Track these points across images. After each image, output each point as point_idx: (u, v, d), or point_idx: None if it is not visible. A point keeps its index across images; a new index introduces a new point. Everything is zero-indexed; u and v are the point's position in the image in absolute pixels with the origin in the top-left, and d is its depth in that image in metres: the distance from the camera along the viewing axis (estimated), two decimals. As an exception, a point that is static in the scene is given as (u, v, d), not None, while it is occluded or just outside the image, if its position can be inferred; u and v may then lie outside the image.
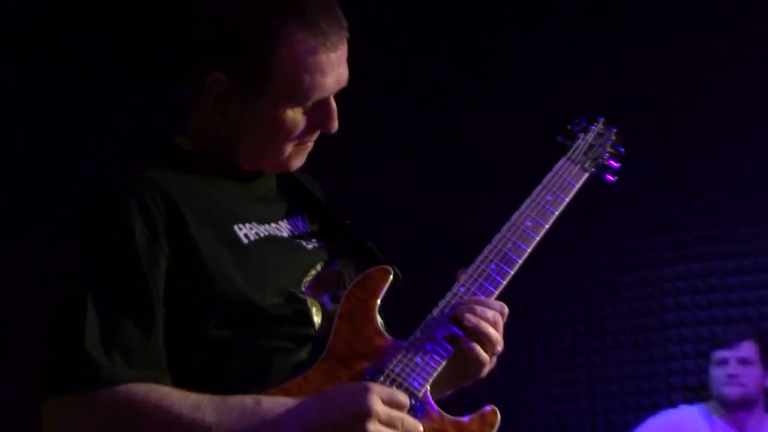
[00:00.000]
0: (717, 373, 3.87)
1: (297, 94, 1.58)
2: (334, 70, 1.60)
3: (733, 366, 3.83)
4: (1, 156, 4.45)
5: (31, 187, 4.50)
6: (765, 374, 3.90)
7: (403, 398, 1.53)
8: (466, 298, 1.68)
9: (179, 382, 1.53)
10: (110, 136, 4.05)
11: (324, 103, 1.61)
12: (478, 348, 1.61)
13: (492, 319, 1.63)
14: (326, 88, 1.59)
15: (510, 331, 1.70)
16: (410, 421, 1.53)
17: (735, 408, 3.88)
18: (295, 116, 1.60)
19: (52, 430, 1.53)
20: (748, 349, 3.85)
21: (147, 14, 3.90)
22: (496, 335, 1.63)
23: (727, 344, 3.88)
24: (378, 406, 1.48)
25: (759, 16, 4.33)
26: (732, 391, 3.84)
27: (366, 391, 1.48)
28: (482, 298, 1.68)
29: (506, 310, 1.65)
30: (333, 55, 1.58)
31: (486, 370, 1.68)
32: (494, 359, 1.65)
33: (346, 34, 1.60)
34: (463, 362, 1.63)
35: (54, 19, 4.47)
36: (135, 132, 3.91)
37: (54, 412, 1.49)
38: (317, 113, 1.62)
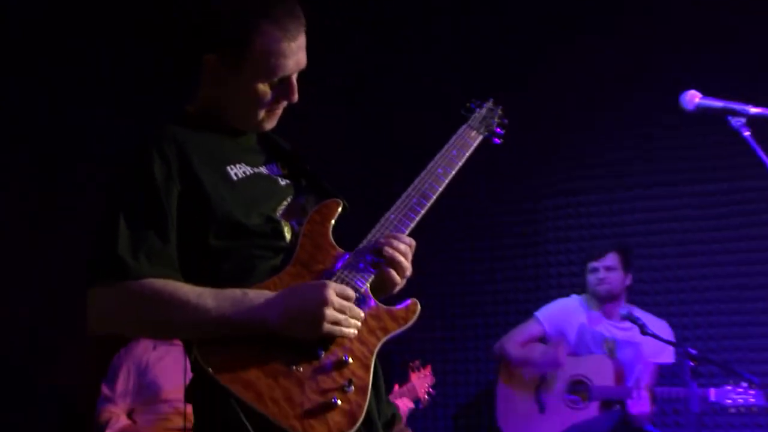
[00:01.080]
0: (590, 278, 4.48)
1: (265, 72, 1.84)
2: (294, 55, 1.85)
3: (602, 272, 4.43)
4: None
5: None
6: (625, 277, 4.48)
7: (351, 292, 1.79)
8: (395, 223, 1.94)
9: (187, 280, 1.79)
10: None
11: (287, 80, 1.88)
12: (392, 272, 1.87)
13: (404, 251, 1.88)
14: (288, 68, 1.85)
15: (422, 258, 1.97)
16: (356, 309, 1.79)
17: (604, 301, 4.48)
18: (265, 89, 1.86)
19: (94, 309, 1.79)
20: (612, 259, 4.44)
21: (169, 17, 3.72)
22: (406, 263, 1.88)
23: (597, 257, 4.47)
24: (332, 296, 1.74)
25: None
26: (601, 290, 4.44)
27: (324, 286, 1.75)
28: (397, 234, 1.92)
29: (414, 243, 1.92)
30: (293, 44, 1.85)
31: (398, 288, 1.92)
32: (404, 281, 1.90)
33: (304, 28, 1.87)
34: (382, 281, 1.88)
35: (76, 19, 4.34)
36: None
37: (96, 296, 1.77)
38: (282, 88, 1.88)
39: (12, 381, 4.35)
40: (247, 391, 1.69)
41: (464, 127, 2.18)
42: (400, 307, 1.86)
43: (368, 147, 5.14)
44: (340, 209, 1.93)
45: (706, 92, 2.57)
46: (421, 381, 4.28)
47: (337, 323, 1.74)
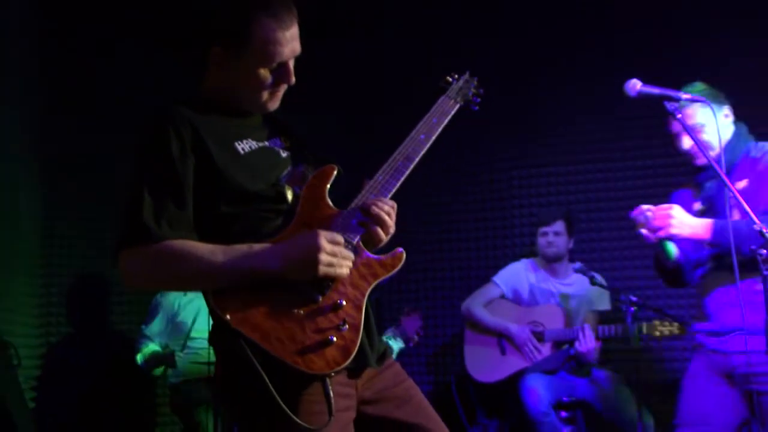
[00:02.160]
0: (541, 241, 4.75)
1: (264, 58, 1.90)
2: (289, 43, 1.91)
3: (551, 236, 4.69)
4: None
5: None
6: (569, 240, 4.75)
7: (339, 237, 1.86)
8: (382, 184, 1.99)
9: (202, 241, 1.87)
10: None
11: (284, 65, 1.94)
12: (378, 230, 1.93)
13: (387, 212, 1.94)
14: (284, 54, 1.91)
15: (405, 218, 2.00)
16: (345, 251, 1.86)
17: (551, 261, 4.75)
18: (265, 74, 1.93)
19: (124, 270, 1.87)
20: (560, 225, 4.71)
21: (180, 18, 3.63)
22: (390, 222, 1.95)
23: (547, 223, 4.72)
24: (324, 243, 1.82)
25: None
26: (550, 252, 4.72)
27: (317, 234, 1.83)
28: (381, 198, 1.96)
29: (395, 205, 1.97)
30: (288, 33, 1.90)
31: (382, 244, 1.98)
32: (388, 237, 1.97)
33: (296, 19, 1.92)
34: (369, 237, 1.95)
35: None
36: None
37: (125, 259, 1.86)
38: (280, 72, 1.94)
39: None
40: (255, 332, 1.77)
41: (443, 97, 2.25)
42: (388, 256, 1.95)
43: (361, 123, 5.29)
44: (335, 173, 2.01)
45: (647, 80, 2.74)
46: (412, 324, 4.66)
47: (330, 265, 1.82)
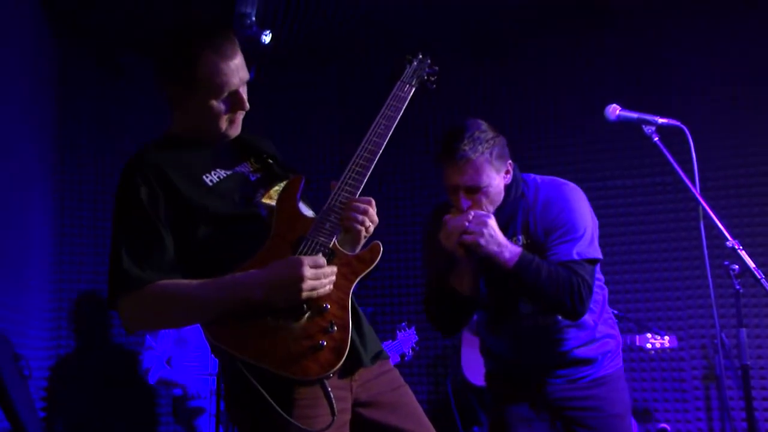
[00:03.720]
0: None
1: (215, 90, 1.94)
2: (235, 73, 1.94)
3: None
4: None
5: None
6: None
7: (322, 260, 1.85)
8: (349, 182, 1.98)
9: (187, 274, 1.90)
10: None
11: (235, 93, 1.97)
12: (358, 228, 1.95)
13: (363, 210, 1.95)
14: (233, 83, 1.94)
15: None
16: (328, 270, 1.85)
17: None
18: (218, 105, 1.96)
19: (122, 319, 1.89)
20: None
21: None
22: (366, 220, 1.94)
23: None
24: (306, 272, 1.81)
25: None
26: None
27: (299, 264, 1.81)
28: (357, 198, 1.96)
29: (371, 200, 1.98)
30: (231, 63, 1.94)
31: (365, 238, 1.99)
32: (370, 231, 1.98)
33: (239, 48, 1.95)
34: (351, 236, 1.99)
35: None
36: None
37: (121, 309, 1.89)
38: (232, 100, 1.98)
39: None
40: (248, 353, 1.79)
41: (398, 83, 2.22)
42: (365, 250, 1.96)
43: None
44: (302, 183, 2.03)
45: (625, 105, 2.84)
46: (407, 339, 4.63)
47: (313, 289, 1.84)
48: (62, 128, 5.08)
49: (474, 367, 4.69)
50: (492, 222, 2.44)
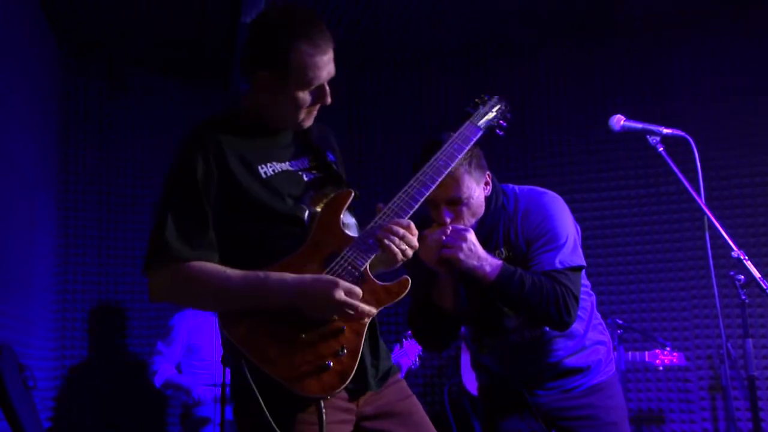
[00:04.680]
0: None
1: (304, 81, 1.97)
2: (325, 66, 1.98)
3: None
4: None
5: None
6: None
7: (358, 290, 1.85)
8: (395, 210, 1.98)
9: (223, 260, 1.93)
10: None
11: (321, 87, 2.00)
12: (392, 249, 1.93)
13: (401, 235, 1.94)
14: (321, 77, 1.99)
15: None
16: (360, 304, 1.85)
17: None
18: (304, 95, 1.99)
19: (149, 285, 1.94)
20: None
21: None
22: (402, 244, 1.93)
23: None
24: (341, 296, 1.83)
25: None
26: None
27: (337, 286, 1.83)
28: (397, 220, 1.95)
29: (411, 224, 1.98)
30: (324, 57, 1.98)
31: (397, 264, 1.99)
32: (408, 254, 1.95)
33: (332, 43, 1.99)
34: (387, 257, 1.98)
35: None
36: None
37: (151, 276, 1.93)
38: (317, 93, 2.01)
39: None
40: (256, 354, 1.82)
41: (467, 123, 2.24)
42: (393, 283, 1.94)
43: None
44: (351, 198, 2.03)
45: (630, 116, 2.84)
46: (413, 348, 4.66)
47: (341, 315, 1.87)
48: (66, 140, 5.14)
49: (471, 375, 4.61)
50: (471, 236, 2.37)
